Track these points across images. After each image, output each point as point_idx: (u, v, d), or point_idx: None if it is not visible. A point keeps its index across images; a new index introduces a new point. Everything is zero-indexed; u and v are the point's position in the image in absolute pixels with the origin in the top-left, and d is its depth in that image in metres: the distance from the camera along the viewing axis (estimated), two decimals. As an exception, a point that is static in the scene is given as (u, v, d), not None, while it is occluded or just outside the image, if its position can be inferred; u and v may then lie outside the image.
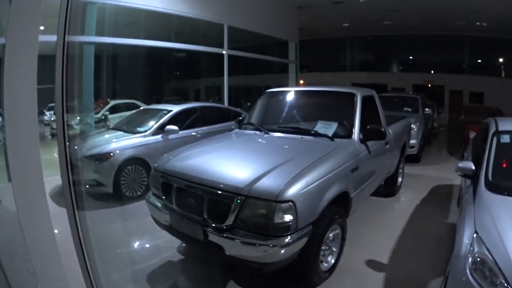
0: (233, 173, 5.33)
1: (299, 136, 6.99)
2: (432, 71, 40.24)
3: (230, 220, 4.89)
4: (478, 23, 30.34)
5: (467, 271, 3.93)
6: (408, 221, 8.59)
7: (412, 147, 14.12)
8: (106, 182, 9.49)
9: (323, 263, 5.75)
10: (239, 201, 4.85)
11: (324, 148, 6.32)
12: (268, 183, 4.94)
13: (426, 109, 17.94)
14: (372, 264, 6.44)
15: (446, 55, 39.05)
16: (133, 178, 9.75)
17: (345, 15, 30.05)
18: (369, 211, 9.27)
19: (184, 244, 6.88)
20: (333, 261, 6.00)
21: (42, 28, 2.86)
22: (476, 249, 4.07)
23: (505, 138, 6.16)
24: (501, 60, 37.87)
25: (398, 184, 10.68)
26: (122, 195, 9.56)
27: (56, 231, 2.93)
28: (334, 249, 6.04)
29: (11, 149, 3.01)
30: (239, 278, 5.91)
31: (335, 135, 6.86)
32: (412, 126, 13.74)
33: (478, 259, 3.96)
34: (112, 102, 19.84)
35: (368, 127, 7.01)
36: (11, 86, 2.93)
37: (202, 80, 34.43)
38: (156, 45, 17.10)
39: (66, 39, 3.24)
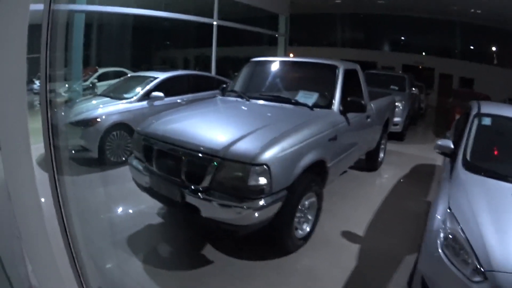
0: (211, 137, 5.43)
1: (279, 104, 7.12)
2: (424, 53, 40.27)
3: (206, 182, 5.00)
4: (472, 10, 30.38)
5: (439, 247, 4.03)
6: (387, 196, 8.72)
7: (396, 124, 14.36)
8: (91, 147, 9.58)
9: (298, 230, 5.89)
10: (215, 163, 4.96)
11: (302, 116, 6.45)
12: (244, 146, 5.04)
13: (413, 89, 18.11)
14: (348, 235, 6.57)
15: (438, 39, 38.99)
16: (118, 144, 9.85)
17: None
18: (349, 184, 9.42)
19: (163, 208, 7.05)
20: (308, 229, 6.13)
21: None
22: (448, 225, 4.17)
23: (486, 121, 6.33)
24: (493, 48, 38.02)
25: (379, 159, 10.83)
26: (107, 160, 9.69)
27: (42, 199, 3.05)
28: (310, 217, 6.18)
29: None
30: (216, 242, 6.06)
31: (315, 105, 6.96)
32: (397, 104, 13.90)
33: (450, 236, 4.05)
34: (101, 70, 19.86)
35: (348, 99, 7.13)
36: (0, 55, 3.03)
37: (192, 50, 34.49)
38: (145, 14, 17.12)
39: (51, 7, 3.31)
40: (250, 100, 7.49)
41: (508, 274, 3.50)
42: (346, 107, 7.15)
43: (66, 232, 3.53)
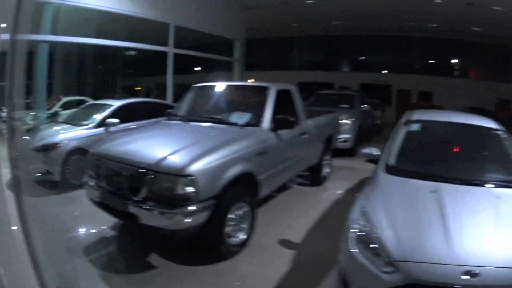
0: (147, 154, 6.12)
1: (213, 125, 7.82)
2: (381, 71, 40.82)
3: (144, 193, 5.72)
4: (429, 24, 31.06)
5: (353, 243, 4.35)
6: (329, 207, 9.23)
7: (346, 141, 14.97)
8: (53, 170, 10.26)
9: (233, 237, 6.52)
10: (150, 175, 5.68)
11: (231, 134, 7.14)
12: (174, 160, 5.78)
13: (364, 106, 18.59)
14: (285, 243, 7.12)
15: (397, 56, 39.63)
16: (78, 167, 10.31)
17: (293, 15, 30.47)
18: (293, 197, 10.01)
19: (117, 223, 7.69)
20: (243, 237, 6.75)
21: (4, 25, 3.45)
22: (362, 222, 4.52)
23: (414, 127, 6.81)
24: (452, 61, 38.83)
25: (324, 174, 11.36)
26: (68, 183, 10.25)
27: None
28: (245, 226, 6.81)
29: None
30: (161, 251, 6.72)
31: (246, 124, 7.64)
32: (347, 121, 14.70)
33: (363, 232, 4.39)
34: (64, 99, 20.22)
35: (276, 117, 7.83)
36: None
37: (154, 78, 34.91)
38: (105, 44, 17.69)
39: (16, 38, 3.93)
40: (189, 122, 8.17)
41: (417, 263, 3.81)
42: (276, 124, 7.83)
43: (29, 242, 4.22)
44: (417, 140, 6.74)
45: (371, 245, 4.21)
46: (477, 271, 3.62)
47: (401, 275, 3.81)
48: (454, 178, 5.30)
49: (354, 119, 15.85)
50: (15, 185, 4.00)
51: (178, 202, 5.58)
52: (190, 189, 5.56)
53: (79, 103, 18.23)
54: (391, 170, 5.74)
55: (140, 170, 5.83)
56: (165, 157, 5.87)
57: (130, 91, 37.42)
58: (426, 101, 34.64)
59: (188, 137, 7.10)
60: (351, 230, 4.55)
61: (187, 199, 5.57)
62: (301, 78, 39.35)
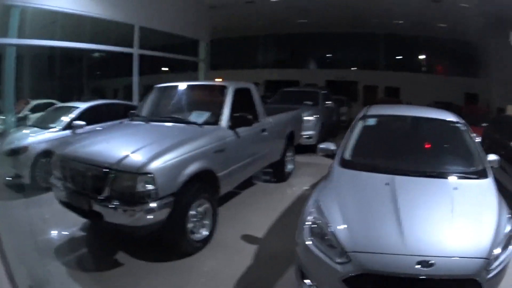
0: (108, 153, 6.36)
1: (172, 124, 8.06)
2: (347, 68, 41.13)
3: (106, 192, 5.97)
4: (394, 21, 31.33)
5: (307, 235, 4.51)
6: (292, 203, 9.49)
7: (309, 137, 15.26)
8: (23, 173, 10.43)
9: (195, 234, 6.76)
10: (112, 175, 5.94)
11: (189, 133, 7.39)
12: (133, 159, 6.03)
13: (328, 103, 18.84)
14: (247, 238, 7.37)
15: (362, 52, 40.11)
16: (47, 170, 10.02)
17: (258, 14, 30.62)
18: (256, 195, 10.29)
19: (86, 224, 7.95)
20: (205, 233, 7.00)
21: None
22: (315, 215, 4.67)
23: (370, 121, 6.98)
24: (419, 56, 39.19)
25: (287, 170, 11.66)
26: (38, 186, 10.41)
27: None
28: (207, 222, 7.04)
29: None
30: (127, 248, 6.97)
31: (205, 123, 7.90)
32: (310, 118, 15.09)
33: (315, 225, 4.55)
34: (33, 102, 20.14)
35: (234, 115, 8.11)
36: None
37: (121, 79, 34.84)
38: (71, 46, 17.77)
39: None
40: (150, 122, 8.40)
41: (369, 254, 3.99)
42: (234, 122, 8.10)
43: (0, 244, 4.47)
44: (373, 134, 6.91)
45: (324, 237, 4.37)
46: (432, 261, 3.79)
47: (354, 266, 3.98)
48: (409, 170, 5.44)
49: (317, 116, 16.16)
50: None
51: (139, 199, 5.80)
52: (149, 187, 5.80)
53: (47, 106, 18.21)
54: (346, 163, 5.90)
55: (102, 170, 6.07)
56: (125, 157, 6.10)
57: (98, 92, 37.28)
58: (393, 97, 35.01)
59: (148, 136, 7.31)
60: (305, 223, 4.69)
61: (147, 197, 5.80)
62: (268, 76, 39.65)
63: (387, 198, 4.77)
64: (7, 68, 14.61)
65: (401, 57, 39.81)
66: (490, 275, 3.93)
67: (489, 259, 3.95)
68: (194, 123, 7.94)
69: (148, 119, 8.62)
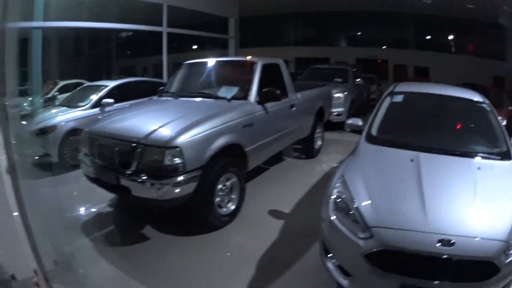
0: (137, 129, 6.39)
1: (201, 99, 8.10)
2: (377, 46, 40.52)
3: (134, 166, 6.00)
4: (423, 1, 30.99)
5: (331, 210, 4.51)
6: (320, 179, 9.41)
7: (339, 114, 15.16)
8: (52, 152, 10.51)
9: (223, 208, 6.80)
10: (139, 149, 5.96)
11: (218, 107, 7.38)
12: (161, 133, 6.04)
13: (357, 80, 18.59)
14: (274, 213, 7.35)
15: (392, 31, 39.43)
16: (76, 148, 10.39)
17: None
18: (285, 170, 10.24)
19: (113, 200, 8.06)
20: (233, 207, 7.03)
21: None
22: (340, 189, 4.65)
23: (397, 98, 6.88)
24: (448, 37, 38.72)
25: (316, 147, 11.60)
26: (66, 164, 10.55)
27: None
28: (233, 197, 7.07)
29: None
30: (154, 223, 7.02)
31: (234, 98, 7.87)
32: (339, 95, 14.96)
33: (339, 199, 4.53)
34: (62, 83, 20.39)
35: (263, 90, 8.07)
36: None
37: (150, 58, 34.82)
38: (98, 27, 17.74)
39: (6, 26, 4.09)
40: (178, 98, 8.41)
41: (390, 229, 3.93)
42: (263, 97, 8.06)
43: (26, 221, 4.46)
44: (400, 111, 6.79)
45: (348, 212, 4.34)
46: (453, 240, 3.70)
47: (375, 241, 3.93)
48: (434, 148, 5.37)
49: (347, 93, 16.03)
50: (12, 169, 4.25)
51: (166, 173, 5.84)
52: (177, 160, 5.83)
53: (76, 86, 18.27)
54: (372, 139, 5.88)
55: (130, 144, 6.12)
56: (153, 131, 6.13)
57: (127, 72, 37.38)
58: (423, 77, 34.43)
59: (176, 111, 7.29)
60: (330, 197, 4.67)
61: (174, 170, 5.84)
62: (298, 53, 39.29)
63: (411, 174, 4.73)
64: (34, 50, 14.64)
65: (429, 37, 39.33)
66: (509, 259, 3.80)
67: (508, 243, 3.83)
68: (223, 98, 7.93)
69: (177, 94, 8.62)
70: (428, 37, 38.92)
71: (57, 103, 14.79)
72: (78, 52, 25.73)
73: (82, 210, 7.92)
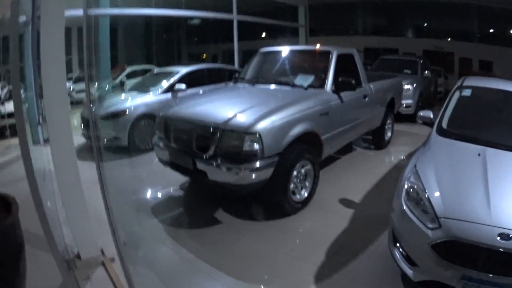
0: (216, 114, 6.49)
1: (278, 87, 8.20)
2: (443, 38, 40.00)
3: (212, 150, 6.11)
4: None
5: (403, 200, 4.62)
6: (389, 170, 9.41)
7: (408, 106, 15.09)
8: (121, 136, 10.72)
9: (296, 194, 6.84)
10: (218, 134, 6.06)
11: (295, 95, 7.47)
12: (240, 119, 6.15)
13: (426, 72, 18.32)
14: (344, 202, 7.39)
15: (458, 23, 38.69)
16: (146, 132, 10.82)
17: None
18: (356, 160, 10.28)
19: (184, 184, 8.19)
20: (306, 194, 7.07)
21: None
22: (412, 180, 4.75)
23: (466, 92, 6.87)
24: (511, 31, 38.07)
25: (386, 138, 11.56)
26: (136, 147, 10.78)
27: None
28: (307, 184, 7.10)
29: (48, 114, 4.09)
30: (226, 207, 7.13)
31: (310, 86, 7.94)
32: (408, 87, 14.84)
33: (411, 189, 4.63)
34: (130, 68, 20.83)
35: (339, 79, 8.04)
36: (46, 58, 3.94)
37: (219, 45, 35.02)
38: (168, 14, 17.81)
39: (87, 13, 4.19)
40: (255, 85, 8.55)
41: (457, 221, 3.97)
42: (338, 86, 8.05)
43: (106, 202, 4.58)
44: (469, 105, 6.81)
45: (419, 202, 4.44)
46: (511, 235, 3.71)
47: (443, 232, 4.00)
48: (501, 144, 5.35)
49: (415, 85, 15.89)
50: (95, 151, 4.37)
51: (245, 158, 5.95)
52: (255, 146, 5.94)
53: (144, 72, 18.55)
54: (443, 132, 5.95)
55: (209, 129, 6.23)
56: (233, 117, 6.24)
57: (195, 58, 37.71)
58: (487, 70, 33.85)
59: (254, 98, 7.46)
60: (403, 187, 4.78)
61: (253, 156, 5.95)
62: (366, 43, 39.05)
63: (477, 168, 4.75)
64: (102, 37, 14.90)
65: (496, 30, 38.62)
66: None
67: None
68: (300, 86, 8.00)
69: (253, 81, 8.77)
70: (491, 30, 38.26)
71: (127, 88, 15.06)
72: (146, 38, 26.07)
73: (152, 193, 8.08)
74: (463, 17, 37.00)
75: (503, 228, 3.77)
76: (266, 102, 6.96)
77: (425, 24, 42.67)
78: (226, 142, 6.08)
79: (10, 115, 14.23)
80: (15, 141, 12.87)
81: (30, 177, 4.11)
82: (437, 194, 4.38)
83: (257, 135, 5.93)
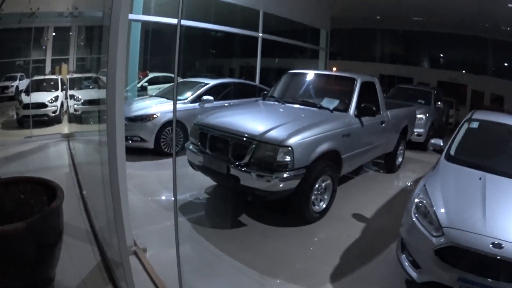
0: (252, 127, 7.28)
1: (306, 107, 8.94)
2: (457, 70, 40.16)
3: (246, 159, 6.86)
4: (503, 27, 30.84)
5: (413, 213, 5.40)
6: (399, 191, 10.13)
7: (419, 135, 15.66)
8: (148, 138, 11.40)
9: (316, 206, 7.59)
10: (254, 145, 6.83)
11: (322, 116, 8.23)
12: (275, 133, 6.90)
13: (439, 103, 18.70)
14: (357, 216, 8.11)
15: (473, 56, 38.74)
16: (172, 138, 11.54)
17: (377, 8, 30.07)
18: (369, 181, 10.99)
19: (209, 188, 8.96)
20: (324, 206, 7.82)
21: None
22: (421, 196, 5.58)
23: (474, 124, 7.69)
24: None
25: (397, 163, 12.22)
26: (162, 151, 11.49)
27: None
28: (326, 197, 7.85)
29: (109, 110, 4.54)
30: (250, 212, 7.84)
31: (335, 109, 8.71)
32: (421, 116, 15.41)
33: (420, 204, 5.43)
34: (151, 75, 21.46)
35: (362, 105, 8.83)
36: (113, 53, 4.44)
37: (236, 59, 35.24)
38: (197, 26, 18.12)
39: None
40: (285, 103, 9.30)
41: (457, 230, 4.73)
42: (360, 111, 8.83)
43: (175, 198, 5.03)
44: (475, 136, 7.57)
45: (427, 215, 5.21)
46: (503, 245, 4.37)
47: (445, 238, 4.73)
48: (500, 171, 6.15)
49: (428, 115, 16.47)
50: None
51: (276, 168, 6.69)
52: (287, 158, 6.68)
53: (165, 79, 19.05)
54: (450, 158, 6.80)
55: (245, 139, 7.01)
56: (268, 130, 7.00)
57: (215, 71, 38.00)
58: (498, 105, 34.29)
59: (285, 116, 8.22)
60: (415, 201, 5.59)
61: (284, 166, 6.69)
62: (382, 70, 39.42)
63: (478, 189, 5.53)
64: (133, 41, 15.49)
65: (506, 64, 38.89)
66: None
67: None
68: (326, 108, 8.80)
69: (283, 100, 9.51)
70: (505, 64, 38.45)
71: (150, 93, 15.67)
72: (166, 46, 26.38)
73: (180, 195, 8.56)
74: (478, 50, 37.16)
75: (495, 238, 4.50)
76: (296, 120, 7.74)
77: (441, 55, 42.80)
78: (261, 152, 6.80)
79: (35, 105, 14.95)
80: (37, 131, 13.57)
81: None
82: (442, 208, 5.15)
83: (290, 148, 6.67)
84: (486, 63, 38.53)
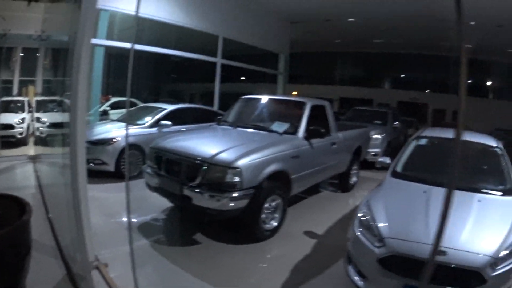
0: (203, 149, 7.63)
1: (256, 131, 9.31)
2: (419, 89, 41.24)
3: (198, 180, 7.22)
4: (467, 45, 31.20)
5: (357, 226, 5.69)
6: (352, 209, 10.30)
7: (375, 155, 15.91)
8: (109, 161, 11.74)
9: (266, 224, 7.90)
10: (205, 167, 7.19)
11: (271, 139, 8.61)
12: (225, 155, 7.27)
13: (396, 123, 19.42)
14: (309, 233, 8.40)
15: (434, 75, 39.54)
16: (131, 161, 11.84)
17: (336, 32, 30.38)
18: (322, 200, 11.33)
19: (167, 209, 9.31)
20: (275, 224, 8.10)
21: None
22: (364, 210, 5.88)
23: (422, 141, 8.20)
24: (486, 82, 39.16)
25: (351, 182, 12.55)
26: (122, 174, 11.57)
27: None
28: (277, 216, 8.14)
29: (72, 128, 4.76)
30: (204, 231, 8.15)
31: (285, 132, 9.07)
32: (377, 136, 15.95)
33: (363, 218, 5.72)
34: (114, 99, 21.74)
35: (310, 128, 9.24)
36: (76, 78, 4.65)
37: (197, 84, 35.37)
38: (156, 51, 18.60)
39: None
40: (237, 127, 9.67)
41: (398, 240, 5.04)
42: (309, 134, 9.23)
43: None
44: (422, 152, 8.03)
45: (370, 228, 5.48)
46: (445, 251, 4.58)
47: (387, 248, 5.03)
48: (444, 184, 6.42)
49: (384, 135, 16.95)
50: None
51: (226, 188, 7.03)
52: (236, 179, 7.05)
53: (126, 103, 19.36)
54: (396, 174, 7.18)
55: (196, 162, 7.37)
56: (218, 153, 7.35)
57: (173, 96, 38.17)
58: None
59: (236, 139, 8.61)
60: (358, 216, 5.90)
61: (233, 186, 7.05)
62: (342, 93, 40.20)
63: (422, 202, 5.81)
64: (96, 65, 15.80)
65: (470, 81, 39.39)
66: (495, 273, 4.66)
67: (495, 258, 4.73)
68: (275, 131, 9.15)
69: (235, 124, 9.88)
70: (469, 81, 39.02)
71: (113, 117, 15.95)
72: (124, 70, 26.37)
73: (138, 216, 8.87)
74: (439, 69, 37.48)
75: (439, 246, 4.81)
76: (246, 143, 8.13)
77: (402, 76, 43.62)
78: (212, 173, 7.15)
79: (2, 127, 15.19)
80: (3, 152, 13.75)
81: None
82: (384, 221, 5.45)
83: (238, 169, 7.05)
84: (447, 82, 39.02)
